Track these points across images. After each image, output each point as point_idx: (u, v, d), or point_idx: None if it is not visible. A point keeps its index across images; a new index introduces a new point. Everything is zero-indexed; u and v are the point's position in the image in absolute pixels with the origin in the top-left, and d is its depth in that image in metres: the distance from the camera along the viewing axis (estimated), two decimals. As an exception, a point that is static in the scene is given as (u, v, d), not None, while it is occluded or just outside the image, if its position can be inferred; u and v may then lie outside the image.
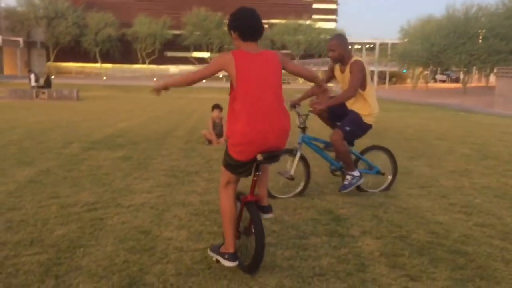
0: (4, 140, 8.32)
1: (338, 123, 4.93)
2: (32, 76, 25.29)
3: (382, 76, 64.37)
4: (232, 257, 3.12)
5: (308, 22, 63.58)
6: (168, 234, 3.82)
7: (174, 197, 4.90)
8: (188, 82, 3.17)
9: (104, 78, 58.26)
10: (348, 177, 4.92)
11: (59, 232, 3.79)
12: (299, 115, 5.05)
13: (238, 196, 3.33)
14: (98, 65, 61.35)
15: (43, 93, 23.74)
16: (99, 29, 57.55)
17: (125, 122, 12.28)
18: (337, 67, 5.03)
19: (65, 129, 10.22)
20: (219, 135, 8.69)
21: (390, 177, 5.39)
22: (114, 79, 56.19)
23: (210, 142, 8.63)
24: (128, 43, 60.12)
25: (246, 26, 3.09)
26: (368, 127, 4.97)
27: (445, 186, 5.68)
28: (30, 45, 58.10)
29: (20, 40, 52.21)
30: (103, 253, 3.40)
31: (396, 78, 69.58)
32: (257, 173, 3.21)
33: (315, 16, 67.22)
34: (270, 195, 4.58)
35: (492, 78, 53.40)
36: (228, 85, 3.34)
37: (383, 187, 5.35)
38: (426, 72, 53.45)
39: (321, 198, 4.99)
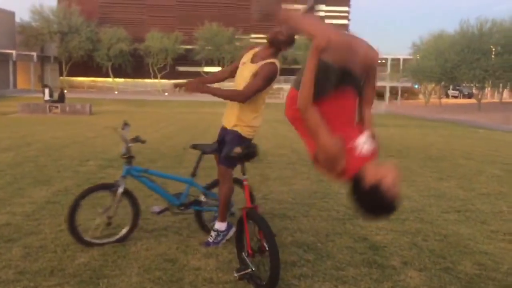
0: (20, 157, 8.15)
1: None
2: (47, 91, 25.40)
3: (393, 92, 64.01)
4: None
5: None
6: (195, 263, 3.57)
7: (199, 221, 4.64)
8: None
9: (116, 92, 58.55)
10: (212, 233, 3.98)
11: (80, 260, 3.55)
12: (125, 140, 4.03)
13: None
14: (110, 79, 61.67)
15: (56, 107, 23.76)
16: (112, 44, 57.88)
17: (140, 138, 12.07)
18: (248, 55, 3.88)
19: (80, 146, 10.05)
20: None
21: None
22: (126, 94, 56.40)
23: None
24: (140, 58, 60.40)
25: None
26: (247, 142, 3.85)
27: (482, 211, 5.37)
28: (43, 59, 58.64)
29: (34, 54, 52.67)
30: (128, 285, 3.17)
31: (407, 93, 69.21)
32: None
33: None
34: (83, 241, 3.81)
35: (506, 94, 52.92)
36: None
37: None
38: (439, 87, 53.04)
39: (353, 223, 4.72)
